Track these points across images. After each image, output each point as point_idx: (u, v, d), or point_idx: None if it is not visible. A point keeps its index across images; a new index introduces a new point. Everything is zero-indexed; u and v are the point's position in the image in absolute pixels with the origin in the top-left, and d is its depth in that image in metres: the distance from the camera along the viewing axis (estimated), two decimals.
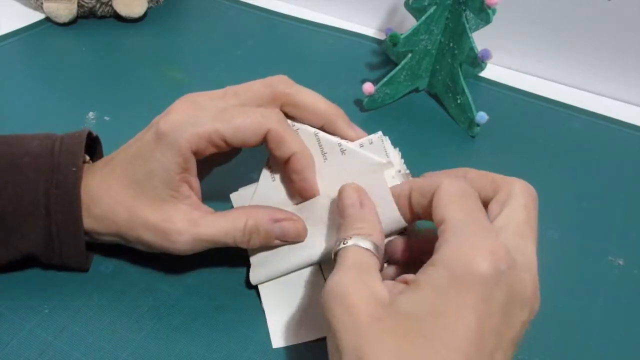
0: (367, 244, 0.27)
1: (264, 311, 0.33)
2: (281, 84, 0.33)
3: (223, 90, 0.33)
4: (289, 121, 0.33)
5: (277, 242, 0.32)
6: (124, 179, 0.31)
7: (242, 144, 0.31)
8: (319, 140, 0.32)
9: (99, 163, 0.34)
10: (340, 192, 0.31)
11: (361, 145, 0.32)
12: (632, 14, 0.53)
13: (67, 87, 0.52)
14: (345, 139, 0.33)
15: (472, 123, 0.49)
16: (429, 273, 0.24)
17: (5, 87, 0.52)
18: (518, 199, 0.27)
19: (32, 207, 0.31)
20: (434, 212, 0.27)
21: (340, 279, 0.26)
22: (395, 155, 0.33)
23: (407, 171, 0.34)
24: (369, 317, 0.23)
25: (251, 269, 0.34)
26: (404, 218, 0.30)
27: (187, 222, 0.31)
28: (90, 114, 0.49)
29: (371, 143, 0.32)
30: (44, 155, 0.32)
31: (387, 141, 0.33)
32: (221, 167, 0.37)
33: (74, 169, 0.31)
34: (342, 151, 0.32)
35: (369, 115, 0.52)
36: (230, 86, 0.33)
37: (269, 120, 0.31)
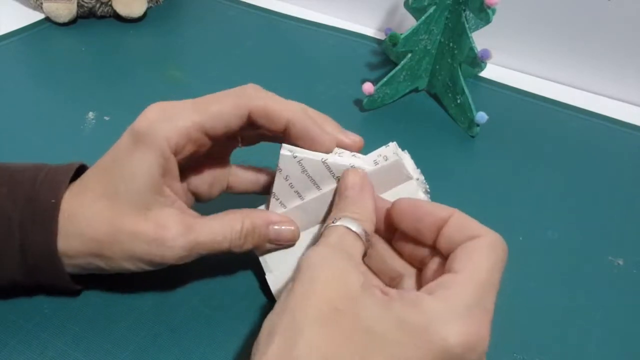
0: (356, 227, 0.27)
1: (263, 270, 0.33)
2: (249, 90, 0.32)
3: (192, 100, 0.31)
4: (290, 151, 0.30)
5: (269, 245, 0.32)
6: (99, 189, 0.29)
7: (224, 131, 0.30)
8: (328, 167, 0.31)
9: (74, 182, 0.31)
10: (344, 174, 0.30)
11: (376, 163, 0.31)
12: (632, 14, 0.53)
13: (67, 87, 0.52)
14: (340, 146, 0.32)
15: (471, 123, 0.49)
16: (413, 301, 0.23)
17: (5, 87, 0.52)
18: (488, 252, 0.26)
19: (6, 240, 0.29)
20: (448, 240, 0.26)
21: (319, 253, 0.25)
22: (409, 161, 0.32)
23: (423, 178, 0.33)
24: (326, 304, 0.23)
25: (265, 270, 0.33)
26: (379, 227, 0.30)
27: (182, 227, 0.29)
28: (90, 114, 0.49)
29: (386, 160, 0.31)
30: (24, 185, 0.29)
31: (403, 153, 0.32)
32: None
33: (52, 200, 0.29)
34: None
35: (368, 115, 0.52)
36: (199, 97, 0.32)
37: (248, 98, 0.29)
